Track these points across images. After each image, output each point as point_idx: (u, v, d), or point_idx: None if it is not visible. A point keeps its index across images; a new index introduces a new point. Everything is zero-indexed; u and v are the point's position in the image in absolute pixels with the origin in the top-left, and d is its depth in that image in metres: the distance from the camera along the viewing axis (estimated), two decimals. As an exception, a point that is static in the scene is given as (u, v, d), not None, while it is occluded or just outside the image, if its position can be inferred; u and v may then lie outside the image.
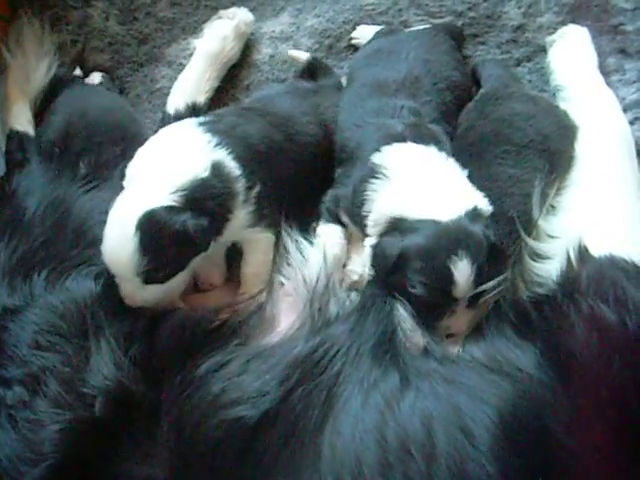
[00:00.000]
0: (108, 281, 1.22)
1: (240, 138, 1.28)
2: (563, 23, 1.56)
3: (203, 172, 1.18)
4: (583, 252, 1.15)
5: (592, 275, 1.11)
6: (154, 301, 1.19)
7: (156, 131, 1.55)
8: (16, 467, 1.08)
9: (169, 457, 1.04)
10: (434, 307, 1.16)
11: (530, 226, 1.24)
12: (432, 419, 1.00)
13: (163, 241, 1.12)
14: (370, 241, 1.25)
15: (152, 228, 1.11)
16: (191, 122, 1.31)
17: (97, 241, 1.24)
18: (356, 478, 0.97)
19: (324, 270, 1.28)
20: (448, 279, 1.12)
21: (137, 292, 1.16)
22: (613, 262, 1.12)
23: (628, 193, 1.26)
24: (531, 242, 1.22)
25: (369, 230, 1.25)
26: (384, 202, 1.23)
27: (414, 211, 1.18)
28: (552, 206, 1.27)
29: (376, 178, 1.25)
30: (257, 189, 1.26)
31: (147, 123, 1.64)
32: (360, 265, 1.32)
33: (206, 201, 1.16)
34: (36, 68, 1.62)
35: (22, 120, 1.59)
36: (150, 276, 1.14)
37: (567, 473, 0.95)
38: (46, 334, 1.17)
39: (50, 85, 1.63)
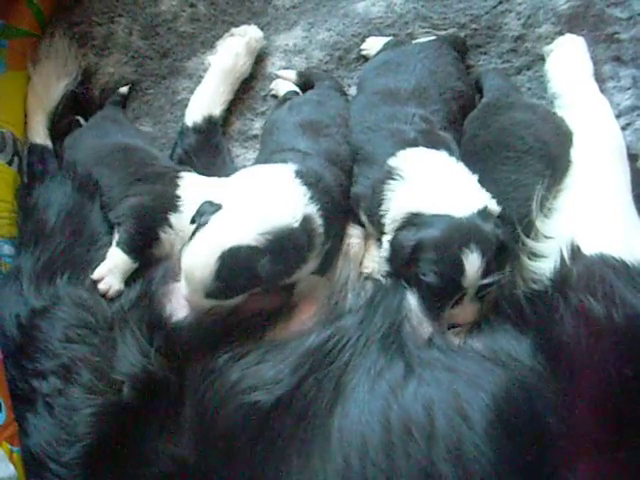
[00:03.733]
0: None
1: (325, 192, 1.34)
2: (560, 33, 1.62)
3: (294, 223, 1.24)
4: (575, 251, 1.22)
5: (582, 272, 1.18)
6: (208, 307, 1.27)
7: (176, 143, 1.67)
8: (54, 449, 1.18)
9: (192, 437, 1.14)
10: (443, 296, 1.25)
11: (530, 227, 1.31)
12: (432, 404, 1.09)
13: (237, 275, 1.20)
14: (388, 237, 1.33)
15: (232, 263, 1.19)
16: (288, 171, 1.34)
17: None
18: (362, 457, 1.06)
19: (346, 268, 1.38)
20: (459, 269, 1.21)
21: (197, 300, 1.25)
22: (603, 260, 1.19)
23: (619, 195, 1.32)
24: (529, 242, 1.30)
25: (387, 228, 1.34)
26: (401, 199, 1.31)
27: (430, 207, 1.27)
28: (549, 208, 1.33)
29: (393, 179, 1.34)
30: (328, 245, 1.33)
31: (169, 133, 1.73)
32: (372, 261, 1.43)
33: (288, 250, 1.23)
34: (57, 85, 1.72)
35: (41, 134, 1.70)
36: (213, 295, 1.23)
37: (555, 453, 1.02)
38: (75, 328, 1.27)
39: (67, 101, 1.73)
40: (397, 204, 1.32)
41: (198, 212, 1.28)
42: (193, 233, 1.26)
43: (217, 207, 1.26)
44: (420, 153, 1.37)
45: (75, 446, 1.16)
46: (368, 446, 1.06)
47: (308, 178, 1.33)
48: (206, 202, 1.29)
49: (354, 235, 1.46)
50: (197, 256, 1.22)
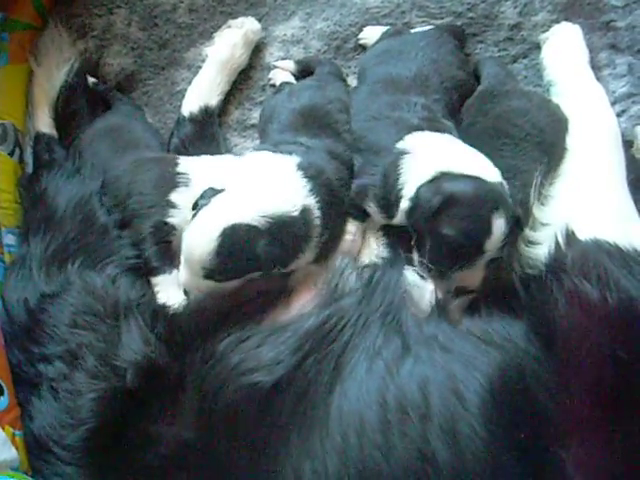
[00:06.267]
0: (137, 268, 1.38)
1: (325, 186, 1.37)
2: (557, 21, 1.63)
3: (294, 211, 1.28)
4: (570, 236, 1.23)
5: (577, 256, 1.19)
6: (204, 291, 1.30)
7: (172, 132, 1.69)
8: (58, 432, 1.21)
9: (194, 419, 1.16)
10: (459, 256, 1.26)
11: (527, 215, 1.33)
12: (428, 383, 1.11)
13: (237, 254, 1.24)
14: (406, 199, 1.32)
15: (233, 240, 1.22)
16: (291, 162, 1.37)
17: (122, 235, 1.41)
18: (360, 435, 1.08)
19: (343, 256, 1.39)
20: (486, 230, 1.24)
21: (195, 282, 1.28)
22: (598, 245, 1.21)
23: (614, 181, 1.34)
24: (526, 230, 1.32)
25: (407, 192, 1.33)
26: (424, 163, 1.32)
27: (460, 167, 1.28)
28: (545, 196, 1.35)
29: (407, 154, 1.35)
30: (324, 238, 1.35)
31: (169, 124, 1.75)
32: (370, 255, 1.44)
33: (286, 236, 1.26)
34: (57, 74, 1.72)
35: (47, 123, 1.71)
36: (212, 275, 1.26)
37: (548, 432, 1.04)
38: (83, 314, 1.29)
39: (68, 90, 1.72)
40: (420, 168, 1.32)
41: (201, 197, 1.31)
42: (194, 215, 1.29)
43: (219, 192, 1.29)
44: (428, 135, 1.38)
45: (78, 430, 1.19)
46: (365, 425, 1.08)
47: (309, 171, 1.35)
48: (209, 188, 1.32)
49: (351, 232, 1.45)
50: (199, 233, 1.25)
